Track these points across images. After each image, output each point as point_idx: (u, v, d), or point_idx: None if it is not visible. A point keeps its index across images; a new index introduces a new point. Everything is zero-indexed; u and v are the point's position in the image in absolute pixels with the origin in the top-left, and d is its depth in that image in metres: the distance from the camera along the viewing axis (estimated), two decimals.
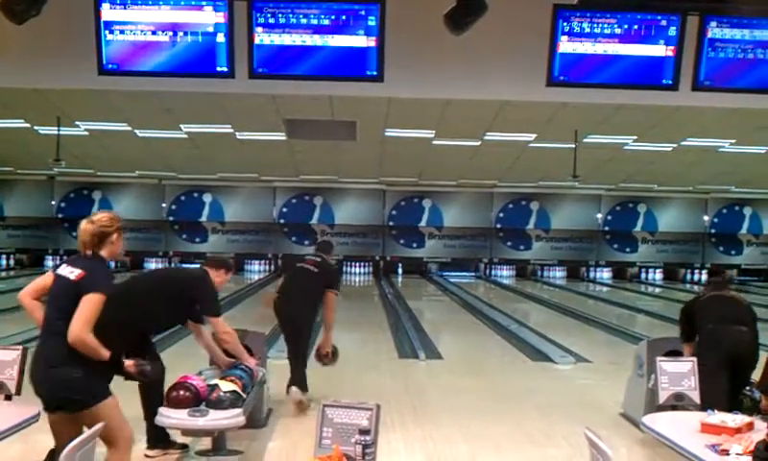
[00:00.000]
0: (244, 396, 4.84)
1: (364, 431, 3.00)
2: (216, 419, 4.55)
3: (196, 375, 5.07)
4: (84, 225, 3.96)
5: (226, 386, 4.80)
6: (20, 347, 4.50)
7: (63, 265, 3.95)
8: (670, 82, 5.69)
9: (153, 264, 25.48)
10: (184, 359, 8.53)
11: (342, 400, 3.23)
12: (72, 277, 3.84)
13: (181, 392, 4.67)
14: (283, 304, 6.83)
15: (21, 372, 4.38)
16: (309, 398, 6.61)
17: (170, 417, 4.57)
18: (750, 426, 3.78)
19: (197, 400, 4.66)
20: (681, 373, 4.96)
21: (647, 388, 5.93)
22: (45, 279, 3.97)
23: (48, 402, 3.82)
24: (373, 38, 5.41)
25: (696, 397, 4.86)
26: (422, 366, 9.36)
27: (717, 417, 3.88)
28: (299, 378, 6.63)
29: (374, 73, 5.49)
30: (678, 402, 4.88)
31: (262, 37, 5.41)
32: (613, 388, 7.31)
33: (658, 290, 22.25)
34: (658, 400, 4.95)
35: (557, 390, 8.10)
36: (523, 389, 8.08)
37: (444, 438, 6.02)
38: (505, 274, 25.95)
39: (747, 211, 25.75)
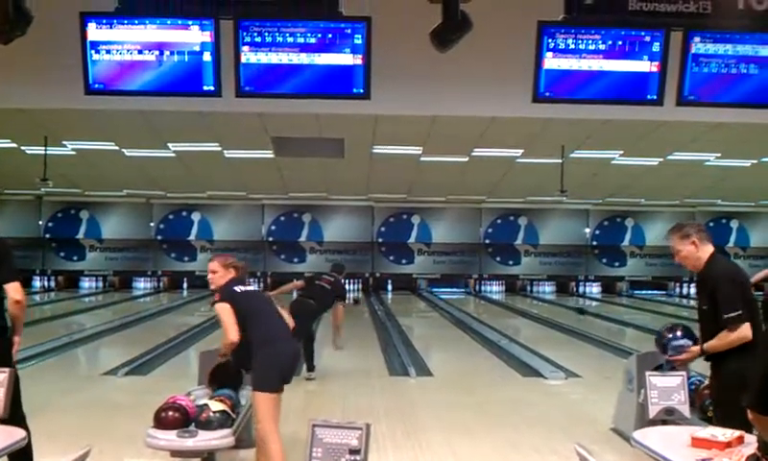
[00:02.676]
0: (233, 416, 4.81)
1: (354, 451, 2.98)
2: (205, 439, 4.51)
3: (185, 395, 5.04)
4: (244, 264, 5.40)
5: (215, 406, 4.77)
6: (7, 369, 4.44)
7: (259, 293, 5.49)
8: (655, 97, 5.72)
9: (141, 284, 25.40)
10: (173, 380, 8.50)
11: (331, 420, 3.21)
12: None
13: (170, 413, 4.64)
14: (303, 304, 9.03)
15: (9, 394, 4.31)
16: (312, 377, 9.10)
17: (159, 438, 4.53)
18: (740, 440, 3.78)
19: (186, 420, 4.62)
20: (670, 387, 4.96)
21: (637, 403, 5.93)
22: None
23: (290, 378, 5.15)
24: (360, 56, 5.42)
25: (686, 411, 4.86)
26: (413, 383, 9.33)
27: (707, 431, 3.87)
28: (309, 363, 9.14)
29: (361, 91, 5.49)
30: (668, 417, 4.88)
31: (249, 56, 5.41)
32: (604, 403, 7.30)
33: (647, 304, 22.31)
34: (647, 414, 4.95)
35: (548, 405, 8.08)
36: (514, 405, 8.06)
37: (436, 456, 5.99)
38: (494, 289, 25.99)
39: (734, 224, 25.92)
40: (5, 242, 4.94)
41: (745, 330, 4.32)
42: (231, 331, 4.81)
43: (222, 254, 5.41)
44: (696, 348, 4.69)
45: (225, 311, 4.87)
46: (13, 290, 4.65)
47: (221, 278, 5.15)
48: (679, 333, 5.11)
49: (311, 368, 9.14)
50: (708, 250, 4.54)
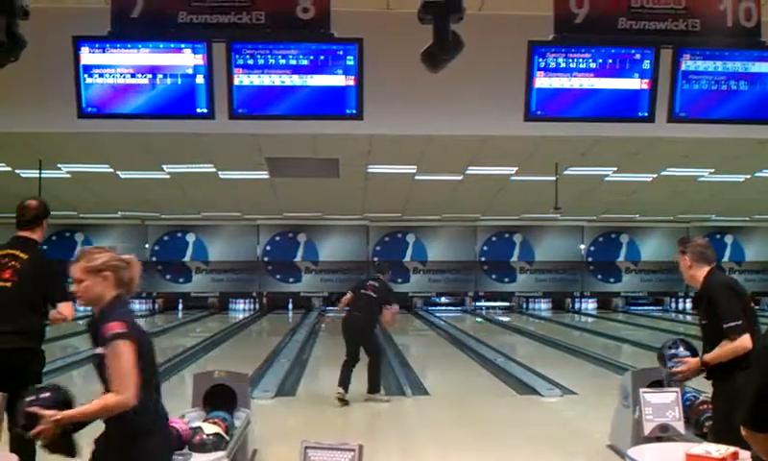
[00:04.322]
0: (228, 438, 4.80)
1: None
2: None
3: (179, 417, 5.02)
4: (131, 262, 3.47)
5: (209, 429, 4.76)
6: (1, 394, 4.41)
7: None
8: (646, 114, 5.75)
9: (136, 306, 25.31)
10: (167, 402, 8.46)
11: (324, 441, 3.21)
12: None
13: None
14: (350, 319, 9.12)
15: (1, 418, 4.29)
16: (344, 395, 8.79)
17: None
18: (734, 456, 3.78)
19: (179, 443, 4.61)
20: (665, 403, 4.96)
21: (633, 419, 5.92)
22: None
23: None
24: (352, 77, 5.45)
25: (681, 427, 4.86)
26: (409, 402, 9.31)
27: (702, 447, 3.88)
28: (344, 383, 8.78)
29: (354, 111, 5.52)
30: (663, 434, 4.88)
31: (241, 78, 5.43)
32: (601, 420, 7.28)
33: (643, 319, 22.32)
34: (643, 431, 4.95)
35: (544, 423, 8.07)
36: (511, 423, 8.05)
37: None
38: (491, 306, 25.97)
39: (728, 239, 25.97)
40: (51, 262, 5.18)
41: (746, 341, 4.31)
42: (132, 388, 3.07)
43: (89, 251, 3.37)
44: (695, 359, 4.63)
45: (129, 354, 3.08)
46: (68, 309, 4.88)
47: (90, 288, 3.30)
48: (682, 349, 5.07)
49: (342, 384, 8.83)
50: (703, 269, 4.56)
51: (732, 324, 4.33)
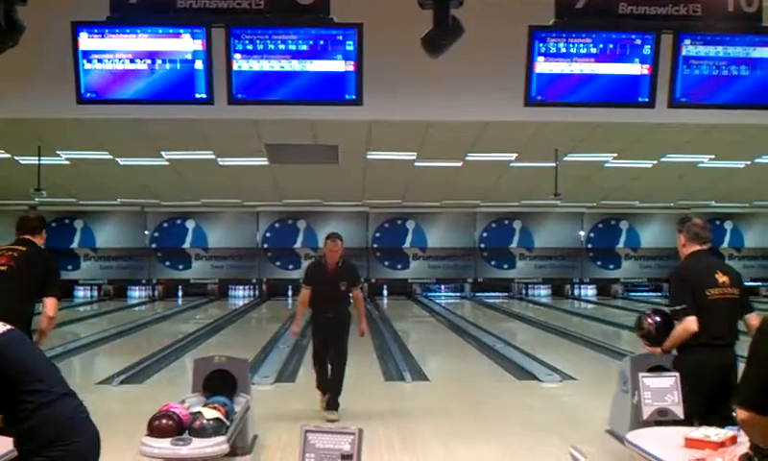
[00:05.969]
0: (227, 423, 4.80)
1: (346, 456, 2.98)
2: (199, 447, 4.50)
3: (179, 403, 5.03)
4: None
5: (209, 413, 4.77)
6: None
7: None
8: (646, 99, 5.75)
9: (136, 292, 25.36)
10: (168, 388, 8.49)
11: (324, 425, 3.22)
12: None
13: (164, 421, 4.63)
14: None
15: None
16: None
17: (152, 446, 4.52)
18: (733, 440, 3.80)
19: (180, 428, 4.62)
20: (663, 388, 4.97)
21: (632, 404, 5.93)
22: None
23: None
24: (352, 63, 5.43)
25: (679, 411, 4.87)
26: (408, 388, 9.33)
27: (701, 431, 3.89)
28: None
29: (353, 97, 5.51)
30: (662, 418, 4.89)
31: (240, 64, 5.42)
32: (600, 405, 7.29)
33: (643, 306, 22.32)
34: (641, 416, 4.96)
35: (543, 408, 8.09)
36: (510, 408, 8.07)
37: (431, 460, 5.99)
38: (490, 293, 26.00)
39: (728, 226, 25.95)
40: (49, 257, 5.78)
41: (688, 323, 4.64)
42: None
43: None
44: (657, 349, 5.05)
45: None
46: (50, 305, 5.40)
47: None
48: (650, 320, 5.21)
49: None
50: (691, 248, 4.72)
51: (675, 307, 4.71)
